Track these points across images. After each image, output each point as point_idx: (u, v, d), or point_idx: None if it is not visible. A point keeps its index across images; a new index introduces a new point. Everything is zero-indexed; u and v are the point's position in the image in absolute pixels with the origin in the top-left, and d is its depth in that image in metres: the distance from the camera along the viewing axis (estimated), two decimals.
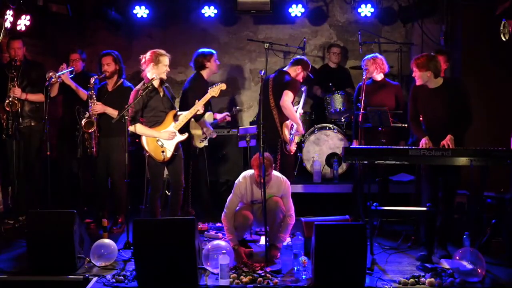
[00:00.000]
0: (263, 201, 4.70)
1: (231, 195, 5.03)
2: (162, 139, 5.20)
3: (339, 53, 7.30)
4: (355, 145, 5.78)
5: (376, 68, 5.74)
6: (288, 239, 5.30)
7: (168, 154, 5.22)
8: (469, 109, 4.83)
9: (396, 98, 5.82)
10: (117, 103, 5.53)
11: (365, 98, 5.51)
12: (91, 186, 6.13)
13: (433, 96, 4.83)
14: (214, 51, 6.10)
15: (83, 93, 5.79)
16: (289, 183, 5.10)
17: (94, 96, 5.63)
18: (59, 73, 5.62)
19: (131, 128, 5.12)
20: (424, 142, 4.82)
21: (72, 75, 5.78)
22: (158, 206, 5.37)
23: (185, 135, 5.29)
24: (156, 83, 5.22)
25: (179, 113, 5.38)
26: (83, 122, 5.62)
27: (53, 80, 5.55)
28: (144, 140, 5.22)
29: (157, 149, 5.19)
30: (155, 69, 5.17)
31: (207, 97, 5.39)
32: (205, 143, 6.00)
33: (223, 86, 5.45)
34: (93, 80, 5.61)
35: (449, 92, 4.80)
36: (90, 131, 5.63)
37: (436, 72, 4.79)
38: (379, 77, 5.80)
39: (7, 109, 5.68)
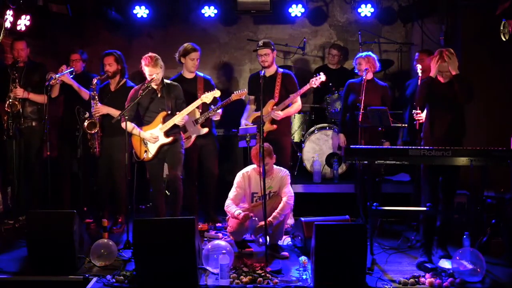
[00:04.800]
0: (263, 199, 4.75)
1: (233, 189, 5.11)
2: (146, 139, 5.25)
3: (338, 55, 7.28)
4: (342, 139, 6.04)
5: (369, 67, 5.74)
6: (288, 239, 5.31)
7: (149, 155, 5.30)
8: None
9: (382, 99, 5.81)
10: (120, 103, 5.52)
11: (354, 96, 5.70)
12: (92, 186, 6.14)
13: (445, 90, 4.81)
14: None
15: (84, 93, 5.80)
16: (288, 173, 5.20)
17: (96, 97, 5.64)
18: (59, 75, 5.62)
19: (122, 125, 5.18)
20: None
21: (72, 76, 5.78)
22: (160, 205, 5.40)
23: (170, 138, 5.29)
24: (154, 85, 5.25)
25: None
26: (85, 123, 5.63)
27: (52, 81, 5.56)
28: (132, 137, 5.32)
29: (141, 147, 5.28)
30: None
31: (197, 103, 5.41)
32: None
33: (217, 93, 5.46)
34: (95, 81, 5.62)
35: (457, 85, 4.79)
36: (93, 132, 5.64)
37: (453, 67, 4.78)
38: (369, 76, 5.79)
39: (8, 110, 5.68)
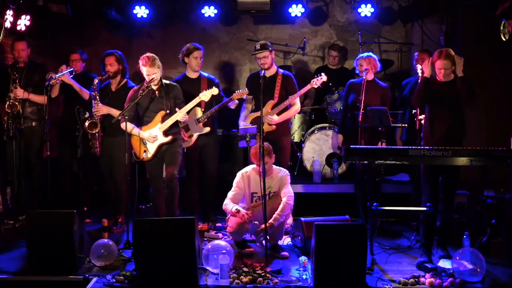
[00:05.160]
0: (263, 197, 4.76)
1: (232, 189, 5.12)
2: (145, 139, 5.27)
3: (338, 56, 7.27)
4: (340, 139, 6.04)
5: (370, 68, 5.74)
6: (288, 239, 5.31)
7: (149, 155, 5.31)
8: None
9: (382, 99, 5.81)
10: (120, 103, 5.52)
11: (354, 96, 5.67)
12: (91, 186, 6.15)
13: (444, 89, 4.81)
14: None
15: (85, 93, 5.81)
16: (288, 173, 5.20)
17: (97, 97, 5.65)
18: (59, 75, 5.63)
19: (122, 125, 5.20)
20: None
21: (72, 76, 5.79)
22: (160, 205, 5.40)
23: (169, 138, 5.30)
24: (153, 85, 5.25)
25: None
26: (86, 123, 5.64)
27: (52, 80, 5.56)
28: (131, 137, 5.32)
29: (141, 147, 5.29)
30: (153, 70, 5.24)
31: (196, 101, 5.42)
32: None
33: (215, 91, 5.47)
34: (96, 81, 5.64)
35: (459, 86, 4.80)
36: (94, 132, 5.65)
37: (454, 67, 4.79)
38: (369, 76, 5.79)
39: (8, 110, 5.68)
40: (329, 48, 7.38)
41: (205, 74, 5.97)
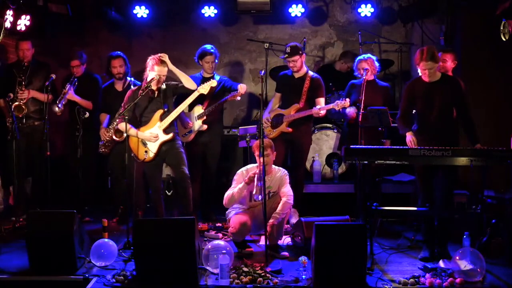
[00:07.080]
0: (263, 197, 4.75)
1: (232, 187, 5.08)
2: (145, 140, 5.26)
3: (350, 65, 7.26)
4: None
5: (369, 68, 5.75)
6: (288, 239, 5.31)
7: (151, 154, 5.30)
8: (467, 108, 4.84)
9: (383, 99, 5.81)
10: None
11: (355, 96, 5.67)
12: (91, 186, 6.15)
13: (431, 89, 4.81)
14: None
15: (87, 104, 5.93)
16: (286, 172, 5.19)
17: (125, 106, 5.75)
18: (65, 96, 5.74)
19: (120, 126, 5.26)
20: (409, 139, 4.89)
21: (74, 82, 5.87)
22: (159, 205, 5.40)
23: (170, 135, 5.31)
24: (153, 85, 5.26)
25: None
26: (112, 130, 5.75)
27: (58, 108, 5.67)
28: (129, 139, 5.29)
29: (141, 148, 5.29)
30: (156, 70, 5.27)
31: (195, 95, 5.46)
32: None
33: (214, 83, 5.52)
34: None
35: (446, 86, 4.80)
36: (122, 139, 5.69)
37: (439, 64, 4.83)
38: (370, 77, 5.79)
39: (15, 112, 5.68)
40: (342, 55, 7.35)
41: (217, 77, 6.09)
